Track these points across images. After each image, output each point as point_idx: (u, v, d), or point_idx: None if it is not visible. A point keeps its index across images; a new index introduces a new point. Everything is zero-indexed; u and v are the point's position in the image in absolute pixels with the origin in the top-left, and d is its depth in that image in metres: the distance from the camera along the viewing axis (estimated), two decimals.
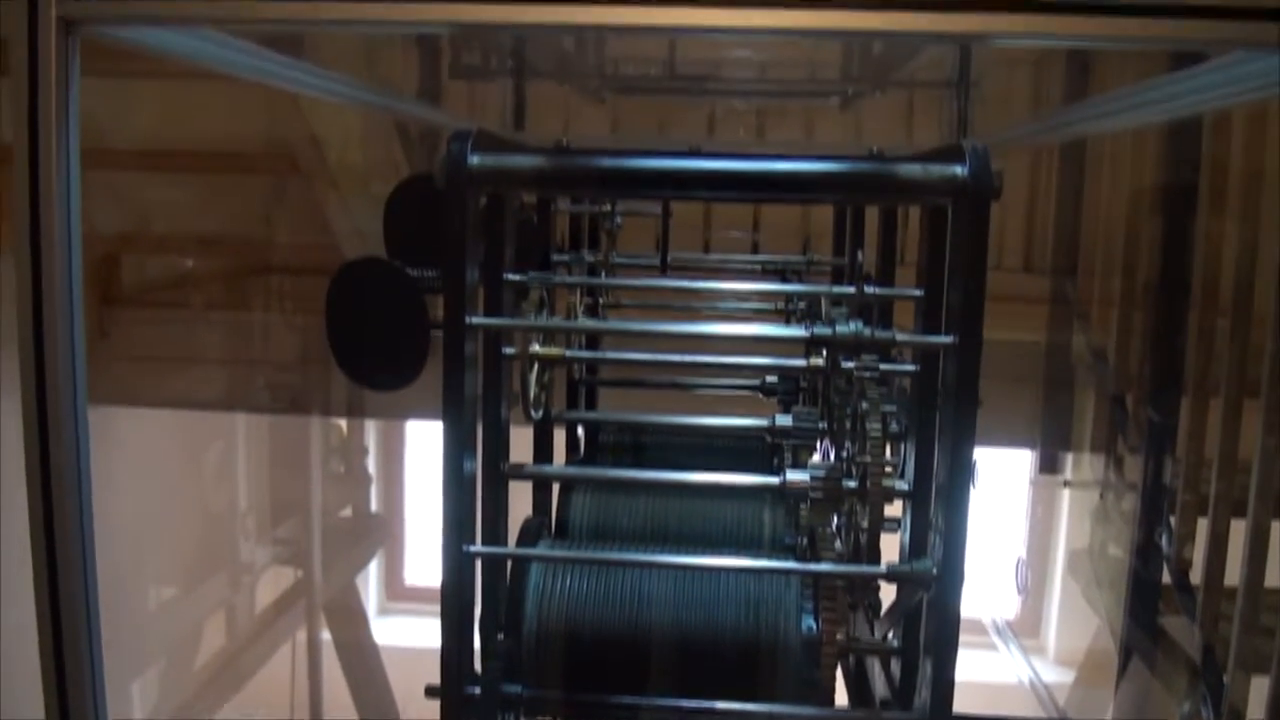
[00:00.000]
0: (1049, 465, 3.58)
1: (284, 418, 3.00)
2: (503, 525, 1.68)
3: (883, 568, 1.40)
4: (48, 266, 1.26)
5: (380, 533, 3.69)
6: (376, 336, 1.48)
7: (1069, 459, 3.42)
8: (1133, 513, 2.57)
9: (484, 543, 1.62)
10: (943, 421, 1.43)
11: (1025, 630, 4.45)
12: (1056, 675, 3.59)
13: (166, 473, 3.30)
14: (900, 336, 1.43)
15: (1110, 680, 2.79)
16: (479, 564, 1.57)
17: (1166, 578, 2.36)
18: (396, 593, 5.16)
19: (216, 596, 3.27)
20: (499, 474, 1.63)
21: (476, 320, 1.41)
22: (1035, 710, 2.77)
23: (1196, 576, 2.20)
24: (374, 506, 3.89)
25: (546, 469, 1.87)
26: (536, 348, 1.58)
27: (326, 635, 3.36)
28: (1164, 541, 2.35)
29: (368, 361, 1.49)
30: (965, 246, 1.35)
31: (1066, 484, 3.21)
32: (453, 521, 1.38)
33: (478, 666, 1.52)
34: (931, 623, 1.38)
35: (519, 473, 1.69)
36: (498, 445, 1.64)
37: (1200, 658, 2.07)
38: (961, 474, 1.35)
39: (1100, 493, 2.84)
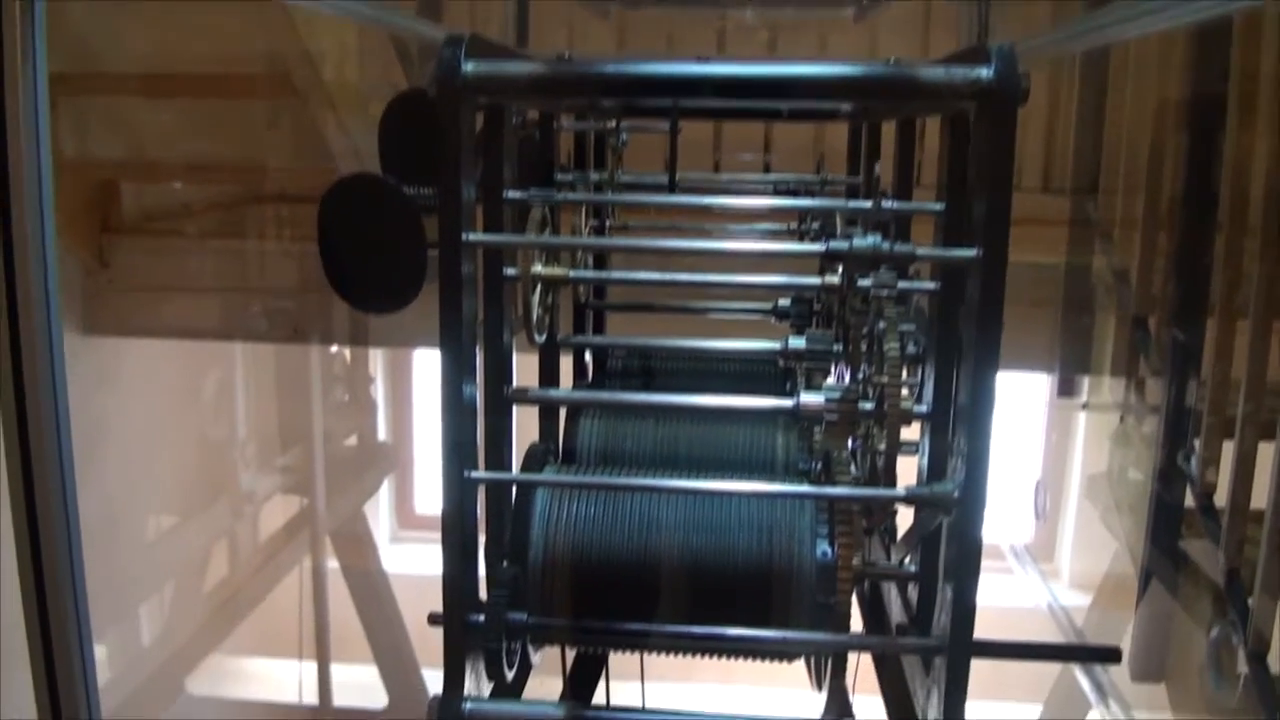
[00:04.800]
0: (1065, 389, 3.52)
1: (286, 346, 2.96)
2: (507, 451, 1.63)
3: (901, 491, 1.35)
4: (15, 189, 1.19)
5: (388, 461, 3.67)
6: (371, 256, 1.41)
7: (1084, 383, 3.36)
8: (1154, 436, 2.51)
9: (487, 469, 1.57)
10: (965, 341, 1.37)
11: (1040, 554, 4.42)
12: (1072, 599, 3.56)
13: (169, 402, 3.26)
14: (921, 251, 1.36)
15: (1128, 604, 2.76)
16: (482, 491, 1.53)
17: (1189, 501, 2.31)
18: (407, 520, 5.16)
19: (221, 524, 3.25)
20: (502, 399, 1.57)
21: (474, 237, 1.34)
22: (1053, 633, 2.75)
23: (1221, 500, 2.15)
24: (382, 435, 3.86)
25: (552, 393, 1.82)
26: (539, 268, 1.52)
27: (335, 563, 3.36)
28: (1188, 465, 2.29)
29: (362, 283, 1.42)
30: (990, 155, 1.28)
31: (1085, 407, 3.15)
32: (453, 447, 1.32)
33: (484, 595, 1.48)
34: (952, 547, 1.33)
35: (523, 397, 1.64)
36: (500, 369, 1.58)
37: (1224, 581, 2.03)
38: (985, 395, 1.29)
39: (1120, 416, 2.79)
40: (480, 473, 1.42)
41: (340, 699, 3.43)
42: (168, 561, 3.20)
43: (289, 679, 2.96)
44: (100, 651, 3.12)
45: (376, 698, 3.42)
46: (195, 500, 3.25)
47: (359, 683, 3.46)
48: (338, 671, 3.63)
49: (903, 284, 1.55)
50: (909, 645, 1.46)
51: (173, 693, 3.16)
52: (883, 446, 1.50)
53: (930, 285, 1.59)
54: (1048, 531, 4.69)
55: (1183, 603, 2.26)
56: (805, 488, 1.52)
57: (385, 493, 4.69)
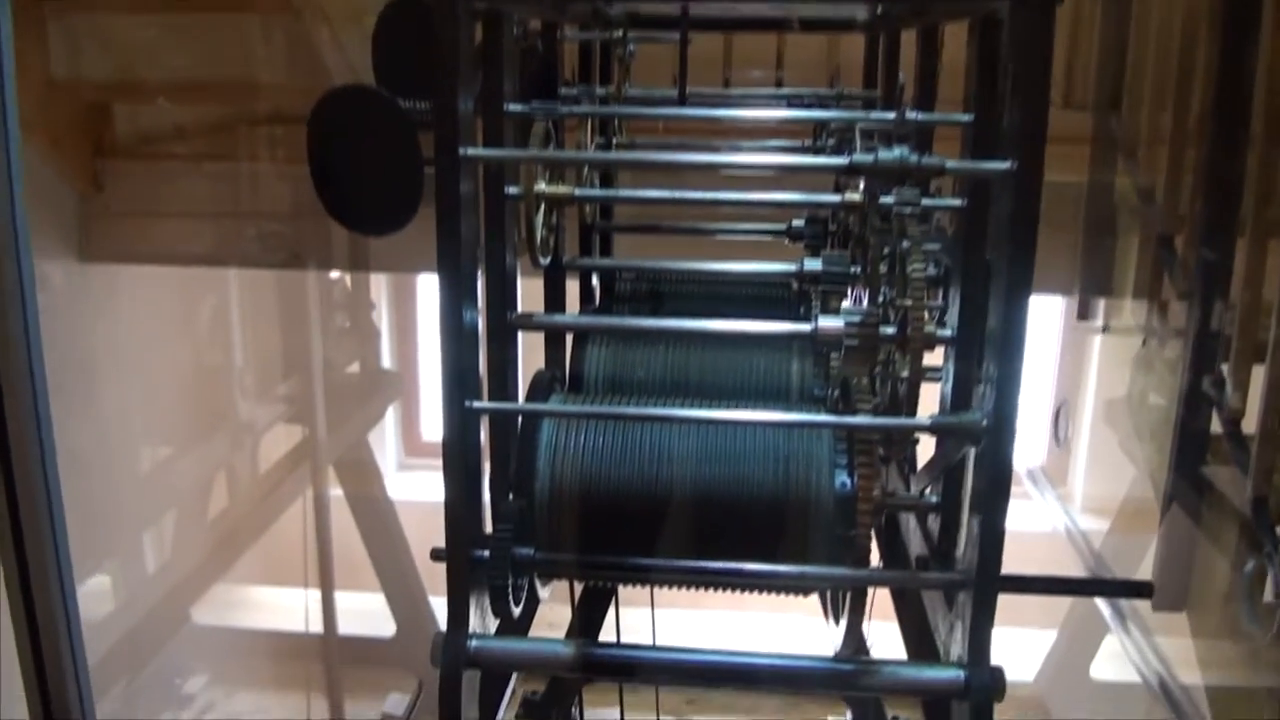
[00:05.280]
0: (1082, 312, 3.43)
1: (284, 272, 2.88)
2: (511, 379, 1.57)
3: (927, 421, 1.28)
4: None
5: (393, 388, 3.61)
6: (364, 174, 1.33)
7: (1100, 306, 3.27)
8: (1178, 360, 2.43)
9: (491, 398, 1.51)
10: (995, 261, 1.29)
11: (1053, 479, 4.38)
12: (1085, 524, 3.51)
13: (167, 330, 3.20)
14: (950, 164, 1.27)
15: (1146, 529, 2.72)
16: (486, 422, 1.46)
17: (1215, 427, 2.24)
18: (415, 448, 5.12)
19: (222, 454, 3.22)
20: (505, 324, 1.50)
21: (472, 152, 1.26)
22: (1071, 558, 2.70)
23: (1249, 426, 2.08)
24: (386, 362, 3.80)
25: (558, 318, 1.74)
26: (542, 186, 1.44)
27: (339, 491, 3.33)
28: (1215, 389, 2.22)
29: (356, 202, 1.34)
30: (1026, 59, 1.19)
31: (1105, 330, 3.07)
32: (453, 376, 1.25)
33: (489, 529, 1.43)
34: (979, 479, 1.26)
35: (527, 322, 1.57)
36: (503, 294, 1.51)
37: (1251, 509, 1.97)
38: (1017, 319, 1.21)
39: (1143, 339, 2.71)
40: (483, 403, 1.35)
41: (349, 627, 3.42)
42: (169, 491, 3.17)
43: (296, 608, 2.94)
44: (104, 582, 3.11)
45: (385, 626, 3.41)
46: (195, 429, 3.20)
47: (368, 610, 3.45)
48: (346, 600, 3.62)
49: (926, 201, 1.47)
50: (933, 580, 1.40)
51: (178, 622, 3.15)
52: (905, 373, 1.43)
53: (956, 202, 1.51)
54: (1060, 455, 4.64)
55: (1206, 531, 2.20)
56: (826, 417, 1.45)
57: (391, 420, 4.65)
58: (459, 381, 1.25)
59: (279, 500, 3.19)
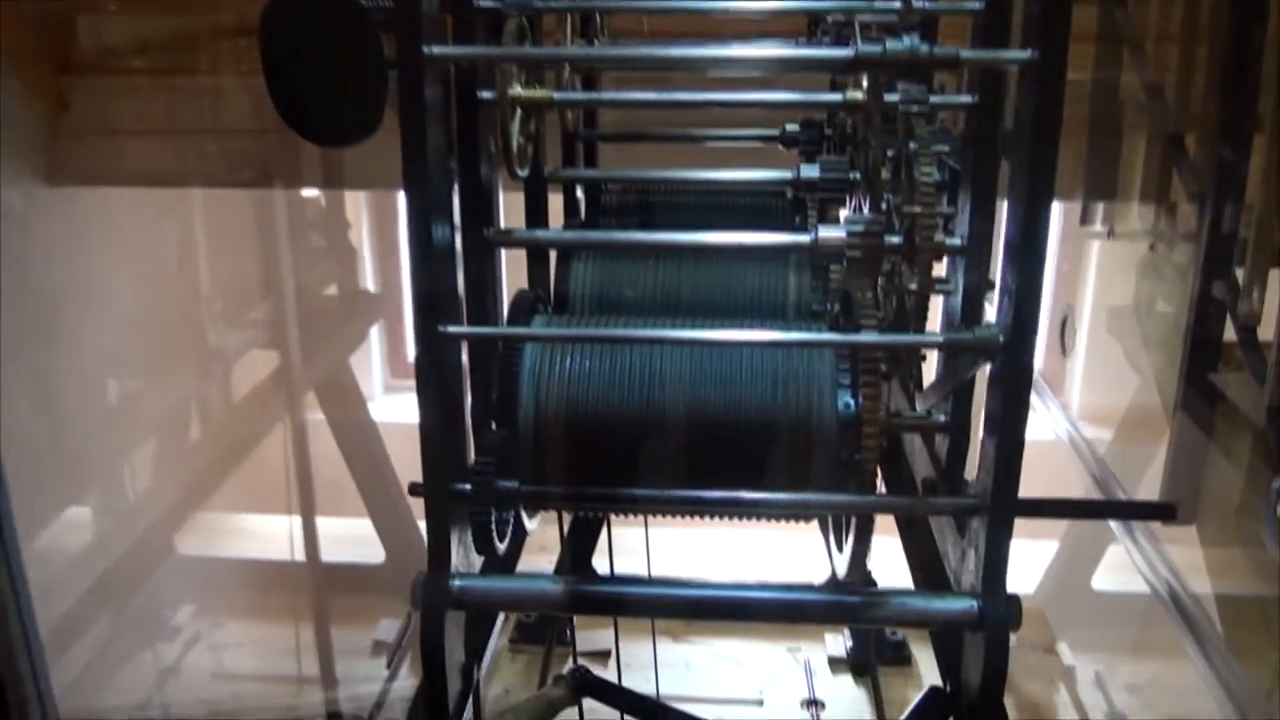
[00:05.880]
0: (1084, 217, 3.32)
1: (254, 191, 2.75)
2: (491, 301, 1.47)
3: (939, 336, 1.19)
4: None
5: (374, 310, 3.50)
6: (322, 80, 1.21)
7: (1099, 210, 3.16)
8: (1188, 265, 2.33)
9: (470, 321, 1.41)
10: (1014, 162, 1.19)
11: (1052, 388, 4.30)
12: (1085, 433, 3.44)
13: (138, 256, 3.08)
14: (965, 54, 1.16)
15: (1150, 439, 2.65)
16: (464, 347, 1.37)
17: (1228, 335, 2.15)
18: (401, 370, 5.03)
19: (200, 381, 3.13)
20: (482, 241, 1.40)
21: (438, 51, 1.14)
22: (1077, 469, 2.63)
23: (1266, 333, 1.99)
24: (367, 283, 3.68)
25: (539, 234, 1.63)
26: (518, 90, 1.32)
27: (321, 416, 3.25)
28: (1228, 295, 2.13)
29: (315, 111, 1.23)
30: None
31: (1111, 235, 2.96)
32: (424, 298, 1.15)
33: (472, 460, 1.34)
34: (996, 397, 1.17)
35: (506, 239, 1.46)
36: (479, 209, 1.40)
37: (1266, 419, 1.89)
38: (1038, 225, 1.12)
39: (1150, 244, 2.61)
40: (459, 327, 1.25)
41: (339, 554, 3.37)
42: (144, 421, 3.09)
43: (282, 536, 2.88)
44: (83, 513, 3.05)
45: (375, 553, 3.35)
46: (168, 357, 3.11)
47: (357, 536, 3.39)
48: (336, 526, 3.56)
49: (934, 98, 1.36)
50: (945, 506, 1.33)
51: (163, 553, 3.09)
52: (912, 286, 1.34)
53: (965, 99, 1.40)
54: (1056, 363, 4.56)
55: (1218, 442, 2.13)
56: (830, 335, 1.36)
57: (376, 342, 4.54)
58: (431, 305, 1.15)
59: (258, 427, 3.11)
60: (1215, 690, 1.96)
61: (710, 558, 3.24)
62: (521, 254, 1.65)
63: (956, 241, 1.37)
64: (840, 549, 1.43)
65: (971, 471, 1.41)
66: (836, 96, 1.35)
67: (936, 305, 1.46)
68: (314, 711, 2.04)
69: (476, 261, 1.39)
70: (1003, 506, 1.17)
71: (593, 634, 2.80)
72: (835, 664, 3.05)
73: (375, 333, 3.94)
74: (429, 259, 1.15)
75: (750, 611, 1.31)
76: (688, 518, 1.39)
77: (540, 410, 1.34)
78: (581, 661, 2.05)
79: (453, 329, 1.20)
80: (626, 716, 1.86)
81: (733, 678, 3.02)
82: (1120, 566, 3.19)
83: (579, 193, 1.88)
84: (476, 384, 1.39)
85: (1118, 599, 3.14)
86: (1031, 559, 3.28)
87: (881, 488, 1.50)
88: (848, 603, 1.26)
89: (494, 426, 1.37)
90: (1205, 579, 2.17)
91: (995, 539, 1.18)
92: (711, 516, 1.39)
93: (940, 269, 1.42)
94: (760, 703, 2.94)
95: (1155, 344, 2.55)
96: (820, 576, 2.58)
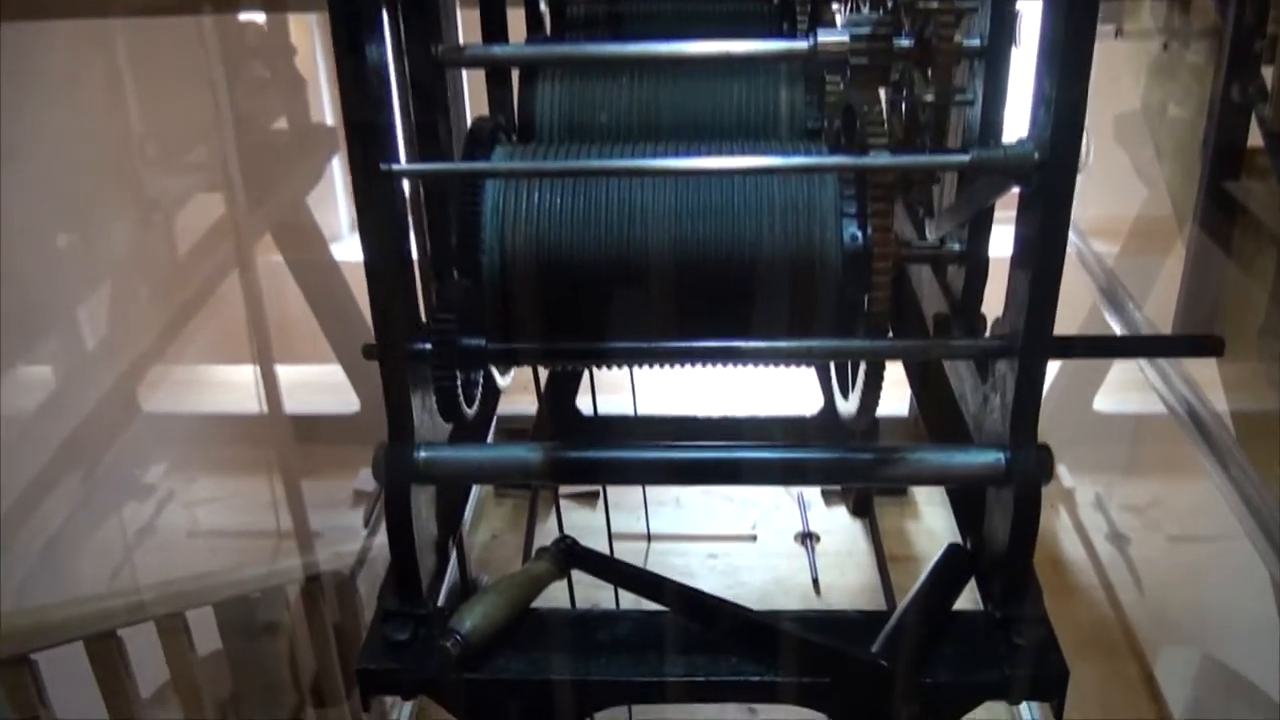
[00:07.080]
0: None
1: (181, 18, 2.50)
2: (444, 131, 1.28)
3: (965, 156, 1.02)
4: None
5: (330, 144, 3.27)
6: None
7: (1104, 4, 2.95)
8: (1206, 65, 2.15)
9: (421, 156, 1.23)
10: None
11: None
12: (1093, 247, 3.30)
13: (77, 97, 2.84)
14: None
15: (1160, 252, 2.52)
16: (417, 186, 1.20)
17: (1251, 141, 1.99)
18: None
19: (145, 226, 2.93)
20: (429, 60, 1.21)
21: None
22: (1085, 284, 2.49)
23: None
24: (323, 115, 3.43)
25: (496, 50, 1.43)
26: None
27: (279, 258, 3.08)
28: (1253, 97, 1.95)
29: None
30: None
31: (1119, 34, 2.74)
32: (357, 130, 0.97)
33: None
34: (1028, 224, 1.02)
35: (459, 57, 1.27)
36: (425, 23, 1.21)
37: None
38: (1085, 16, 0.94)
39: (1164, 43, 2.40)
40: (404, 164, 1.08)
41: (314, 405, 3.25)
42: (93, 274, 2.91)
43: (249, 386, 2.74)
44: (43, 372, 2.91)
45: (351, 402, 3.23)
46: (111, 204, 2.91)
47: (336, 383, 3.26)
48: (308, 374, 3.43)
49: None
50: (970, 349, 1.18)
51: (129, 411, 2.96)
52: (928, 97, 1.16)
53: None
54: None
55: (1238, 257, 1.99)
56: (836, 158, 1.18)
57: (340, 178, 4.30)
58: (366, 138, 0.97)
59: (212, 274, 2.94)
60: (1233, 501, 1.87)
61: (699, 387, 3.11)
62: (478, 76, 1.46)
63: (975, 42, 1.18)
64: (845, 395, 1.30)
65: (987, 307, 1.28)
66: None
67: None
68: (293, 576, 1.94)
69: (423, 85, 1.20)
70: (1035, 348, 1.03)
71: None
72: (830, 496, 2.98)
73: (337, 168, 3.71)
74: (363, 83, 0.97)
75: (750, 474, 1.18)
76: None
77: (506, 255, 1.18)
78: (567, 523, 1.94)
79: (396, 166, 1.02)
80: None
81: (725, 514, 2.95)
82: (1122, 386, 3.10)
83: (542, 4, 1.66)
84: (433, 229, 1.23)
85: (1119, 419, 3.07)
86: None
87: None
88: (859, 460, 1.13)
89: (455, 276, 1.20)
90: (1222, 395, 2.07)
91: (1027, 384, 1.04)
92: (704, 364, 1.25)
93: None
94: (754, 538, 2.88)
95: (1168, 153, 2.38)
96: (814, 405, 2.48)
